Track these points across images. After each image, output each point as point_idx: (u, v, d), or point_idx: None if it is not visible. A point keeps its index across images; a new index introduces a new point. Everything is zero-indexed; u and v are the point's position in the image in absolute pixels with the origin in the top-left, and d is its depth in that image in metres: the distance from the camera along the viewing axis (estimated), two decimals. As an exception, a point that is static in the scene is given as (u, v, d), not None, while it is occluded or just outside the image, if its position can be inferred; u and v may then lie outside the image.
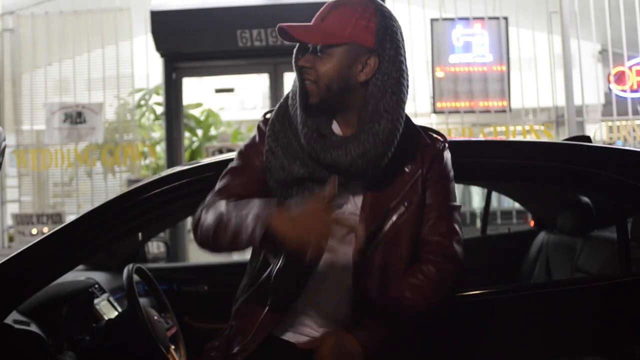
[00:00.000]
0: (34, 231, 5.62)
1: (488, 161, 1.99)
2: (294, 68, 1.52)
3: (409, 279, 1.51)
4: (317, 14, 1.51)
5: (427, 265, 1.53)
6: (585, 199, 2.73)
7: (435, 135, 1.61)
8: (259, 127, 1.60)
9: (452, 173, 1.59)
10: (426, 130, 1.61)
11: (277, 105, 1.60)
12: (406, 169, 1.53)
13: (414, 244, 1.53)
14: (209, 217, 1.48)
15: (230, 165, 1.61)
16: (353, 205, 1.52)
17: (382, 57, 1.47)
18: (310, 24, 1.51)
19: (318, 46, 1.48)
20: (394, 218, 1.50)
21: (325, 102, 1.48)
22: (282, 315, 1.54)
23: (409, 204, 1.51)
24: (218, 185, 1.58)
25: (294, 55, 1.53)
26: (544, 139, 5.72)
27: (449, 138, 1.63)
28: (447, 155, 1.59)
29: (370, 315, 1.47)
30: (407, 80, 1.52)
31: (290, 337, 1.56)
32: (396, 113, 1.47)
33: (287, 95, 1.59)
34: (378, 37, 1.47)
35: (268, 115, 1.61)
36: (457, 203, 1.59)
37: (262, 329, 1.53)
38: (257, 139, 1.59)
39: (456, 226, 1.56)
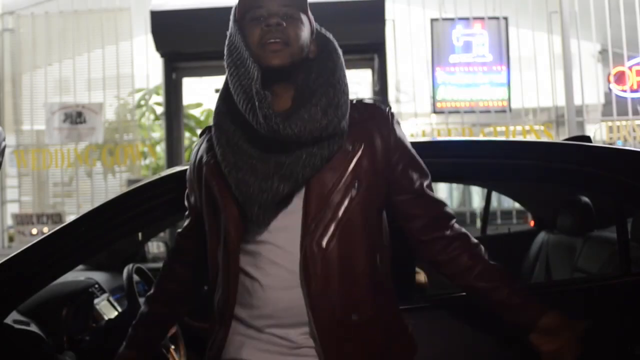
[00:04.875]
0: (34, 231, 5.61)
1: (488, 161, 1.99)
2: (238, 39, 1.33)
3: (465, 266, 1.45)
4: None
5: (449, 245, 1.44)
6: (585, 199, 2.73)
7: (378, 105, 1.45)
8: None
9: (407, 141, 1.46)
10: (366, 100, 1.47)
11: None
12: (349, 147, 1.36)
13: (368, 228, 1.37)
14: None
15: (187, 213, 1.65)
16: (298, 201, 1.35)
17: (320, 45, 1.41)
18: None
19: (280, 12, 1.32)
20: (346, 202, 1.33)
21: (292, 65, 1.33)
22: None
23: (359, 185, 1.35)
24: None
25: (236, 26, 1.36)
26: (544, 139, 5.72)
27: (449, 138, 1.62)
28: (397, 126, 1.44)
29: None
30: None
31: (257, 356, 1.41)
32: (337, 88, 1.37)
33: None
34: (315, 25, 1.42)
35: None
36: (427, 173, 1.47)
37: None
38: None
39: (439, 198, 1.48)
